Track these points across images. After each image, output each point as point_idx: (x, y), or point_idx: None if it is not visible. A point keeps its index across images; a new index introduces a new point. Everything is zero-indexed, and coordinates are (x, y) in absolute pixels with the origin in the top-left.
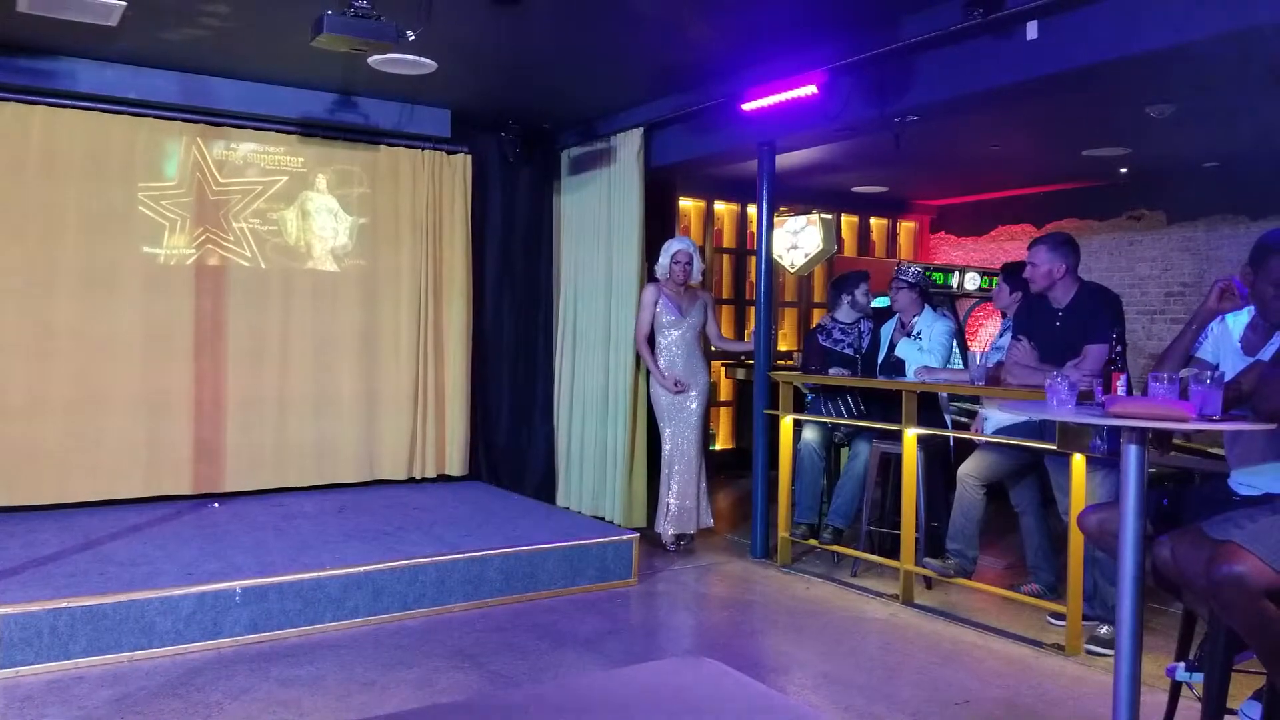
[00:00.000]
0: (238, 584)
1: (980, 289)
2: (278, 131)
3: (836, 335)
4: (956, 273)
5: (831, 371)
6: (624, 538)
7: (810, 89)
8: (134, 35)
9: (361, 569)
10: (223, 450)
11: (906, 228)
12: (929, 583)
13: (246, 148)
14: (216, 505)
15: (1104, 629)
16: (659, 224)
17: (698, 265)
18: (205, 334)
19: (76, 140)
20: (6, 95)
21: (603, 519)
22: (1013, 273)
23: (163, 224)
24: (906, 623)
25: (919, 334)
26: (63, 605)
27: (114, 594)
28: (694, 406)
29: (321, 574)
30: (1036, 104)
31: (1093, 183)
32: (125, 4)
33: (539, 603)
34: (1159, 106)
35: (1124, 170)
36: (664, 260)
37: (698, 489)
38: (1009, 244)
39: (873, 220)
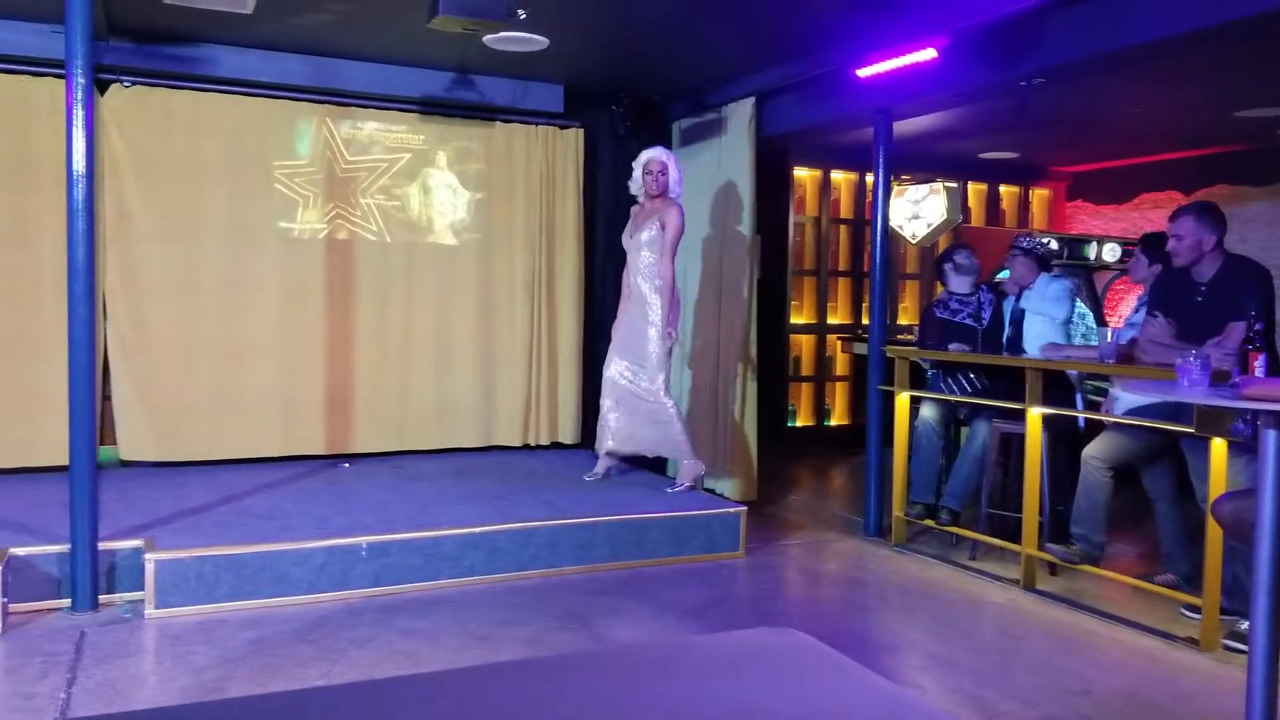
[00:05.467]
0: (364, 539)
1: (1120, 261)
2: (400, 110)
3: (954, 306)
4: (1095, 243)
5: (951, 347)
6: (731, 510)
7: (930, 53)
8: (267, 22)
9: (477, 529)
10: (352, 414)
11: (1039, 196)
12: (1053, 569)
13: (371, 126)
14: (346, 465)
15: (1244, 624)
16: (772, 194)
17: (674, 176)
18: (336, 303)
19: (218, 122)
20: (156, 81)
21: (712, 491)
22: (1152, 244)
23: (296, 200)
24: (1026, 608)
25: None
26: (209, 553)
27: (254, 544)
28: (648, 346)
29: (440, 533)
30: (1182, 62)
31: (1247, 146)
32: None
33: (646, 570)
34: None
35: None
36: (636, 172)
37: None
38: (1153, 212)
39: (1002, 188)
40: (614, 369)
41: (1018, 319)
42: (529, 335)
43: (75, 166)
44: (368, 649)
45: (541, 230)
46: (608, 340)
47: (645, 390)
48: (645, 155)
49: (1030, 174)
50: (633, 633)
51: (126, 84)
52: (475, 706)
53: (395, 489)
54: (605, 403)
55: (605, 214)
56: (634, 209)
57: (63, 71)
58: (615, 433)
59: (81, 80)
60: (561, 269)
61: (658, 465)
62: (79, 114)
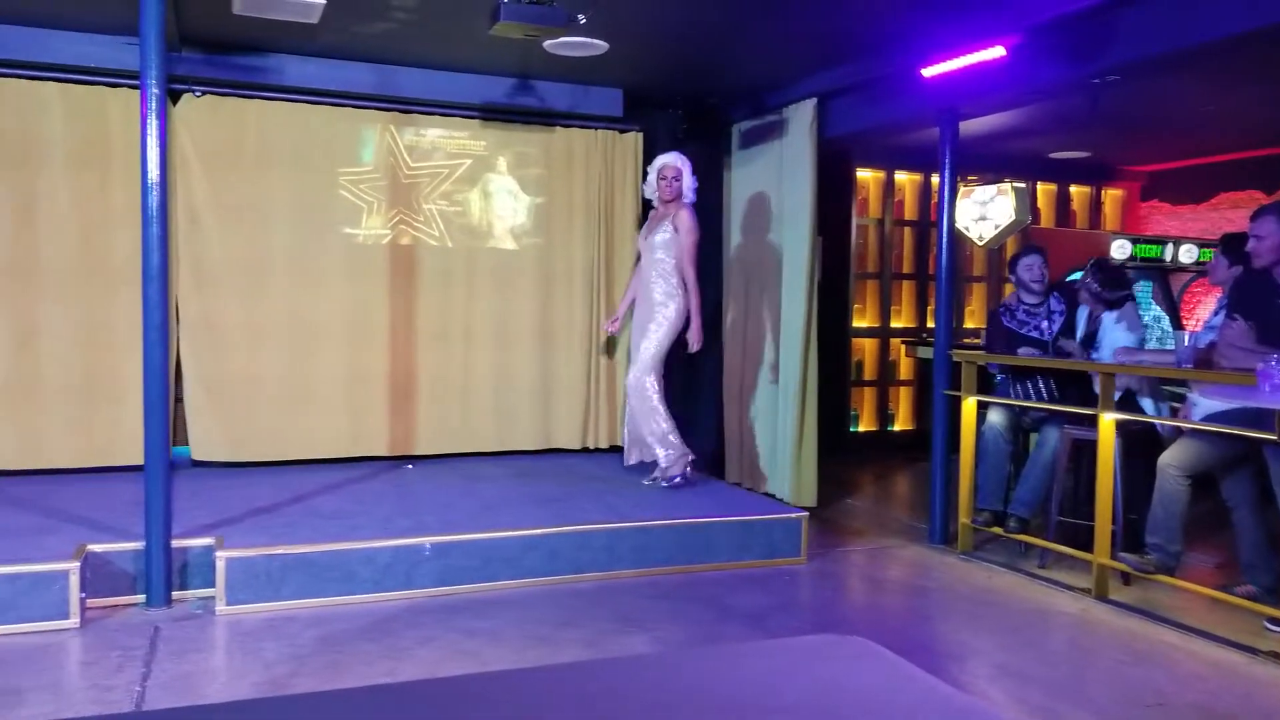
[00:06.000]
0: (428, 540)
1: (1197, 263)
2: (461, 117)
3: (1021, 316)
4: (1170, 245)
5: (1020, 351)
6: (792, 516)
7: (998, 51)
8: (333, 31)
9: (537, 532)
10: (415, 416)
11: (1112, 196)
12: (1126, 578)
13: (433, 133)
14: (410, 467)
15: None
16: (834, 195)
17: (688, 182)
18: (399, 308)
19: (285, 130)
20: (226, 91)
21: (772, 497)
22: (1232, 245)
23: (361, 206)
24: (1097, 618)
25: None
26: (277, 552)
27: (321, 543)
28: (647, 340)
29: (501, 534)
30: (1263, 55)
31: None
32: (325, 2)
33: (705, 574)
34: None
35: None
36: (650, 177)
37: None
38: (1232, 212)
39: (1073, 188)
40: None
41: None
42: (588, 339)
43: (150, 175)
44: (431, 648)
45: (600, 234)
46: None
47: (633, 384)
48: (660, 160)
49: (1102, 173)
50: (692, 637)
51: (198, 94)
52: (536, 707)
53: (457, 490)
54: (640, 412)
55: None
56: (651, 214)
57: (137, 82)
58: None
59: (155, 91)
60: (620, 272)
61: (716, 468)
62: (153, 124)
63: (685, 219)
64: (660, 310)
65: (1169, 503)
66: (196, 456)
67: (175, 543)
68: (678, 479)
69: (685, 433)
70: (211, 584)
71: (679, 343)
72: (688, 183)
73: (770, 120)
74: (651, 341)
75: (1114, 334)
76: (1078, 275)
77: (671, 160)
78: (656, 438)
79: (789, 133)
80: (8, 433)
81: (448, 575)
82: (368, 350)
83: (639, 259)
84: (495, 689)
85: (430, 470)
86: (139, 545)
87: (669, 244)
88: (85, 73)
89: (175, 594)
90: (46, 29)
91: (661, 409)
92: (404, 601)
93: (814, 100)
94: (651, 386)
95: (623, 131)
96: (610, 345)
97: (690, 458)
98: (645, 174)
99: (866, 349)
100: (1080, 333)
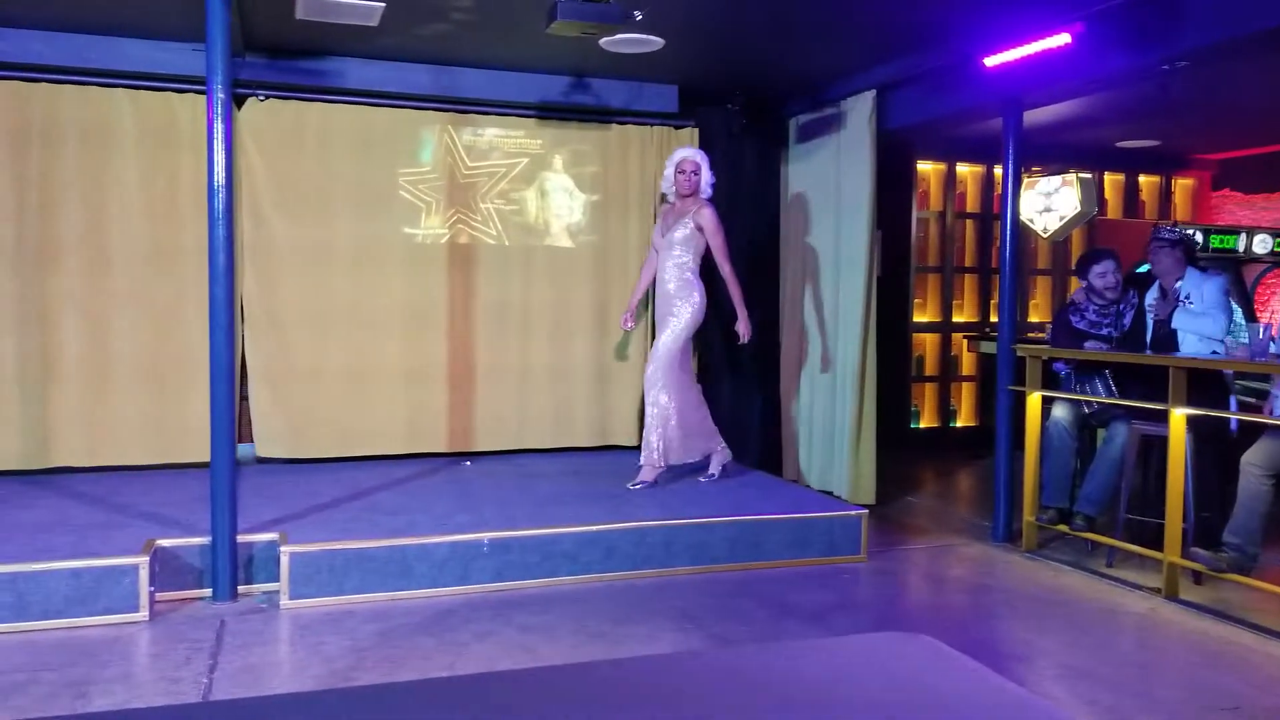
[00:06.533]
0: (485, 535)
1: (1272, 253)
2: (518, 116)
3: (1091, 316)
4: (1243, 235)
5: (1087, 345)
6: (852, 513)
7: (1063, 38)
8: (392, 33)
9: (594, 528)
10: (473, 413)
11: (1183, 185)
12: (1198, 578)
13: (491, 133)
14: (468, 464)
15: None
16: (894, 188)
17: (706, 177)
18: (457, 307)
19: (346, 132)
20: (289, 94)
21: (830, 494)
22: None
23: (420, 206)
24: (1168, 618)
25: (1188, 298)
26: (339, 547)
27: (380, 539)
28: (663, 337)
29: (558, 530)
30: None
31: None
32: (384, 4)
33: (762, 573)
34: None
35: None
36: (668, 171)
37: (666, 423)
38: None
39: (1141, 178)
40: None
41: (1166, 319)
42: (644, 336)
43: (215, 177)
44: (488, 642)
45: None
46: (723, 341)
47: (656, 379)
48: (679, 154)
49: (1172, 162)
50: (751, 634)
51: (261, 98)
52: (595, 702)
53: (514, 487)
54: (649, 411)
55: (720, 212)
56: (663, 208)
57: (203, 88)
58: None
59: (221, 96)
60: None
61: (773, 465)
62: (219, 128)
63: (709, 219)
64: (679, 306)
65: (1251, 503)
66: (260, 453)
67: (240, 538)
68: (715, 475)
69: (743, 429)
70: (275, 578)
71: (727, 335)
72: (705, 177)
73: (828, 113)
74: (672, 339)
75: (1189, 321)
76: (1146, 267)
77: (690, 154)
78: (697, 434)
79: (847, 125)
80: (80, 431)
81: (505, 571)
82: (427, 349)
83: (652, 253)
84: (552, 683)
85: (487, 467)
86: (205, 540)
87: (688, 240)
88: (154, 79)
89: (240, 588)
90: (119, 37)
91: (675, 414)
92: (461, 597)
93: (873, 92)
94: (663, 387)
95: (678, 127)
96: (625, 342)
97: (724, 448)
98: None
99: (927, 344)
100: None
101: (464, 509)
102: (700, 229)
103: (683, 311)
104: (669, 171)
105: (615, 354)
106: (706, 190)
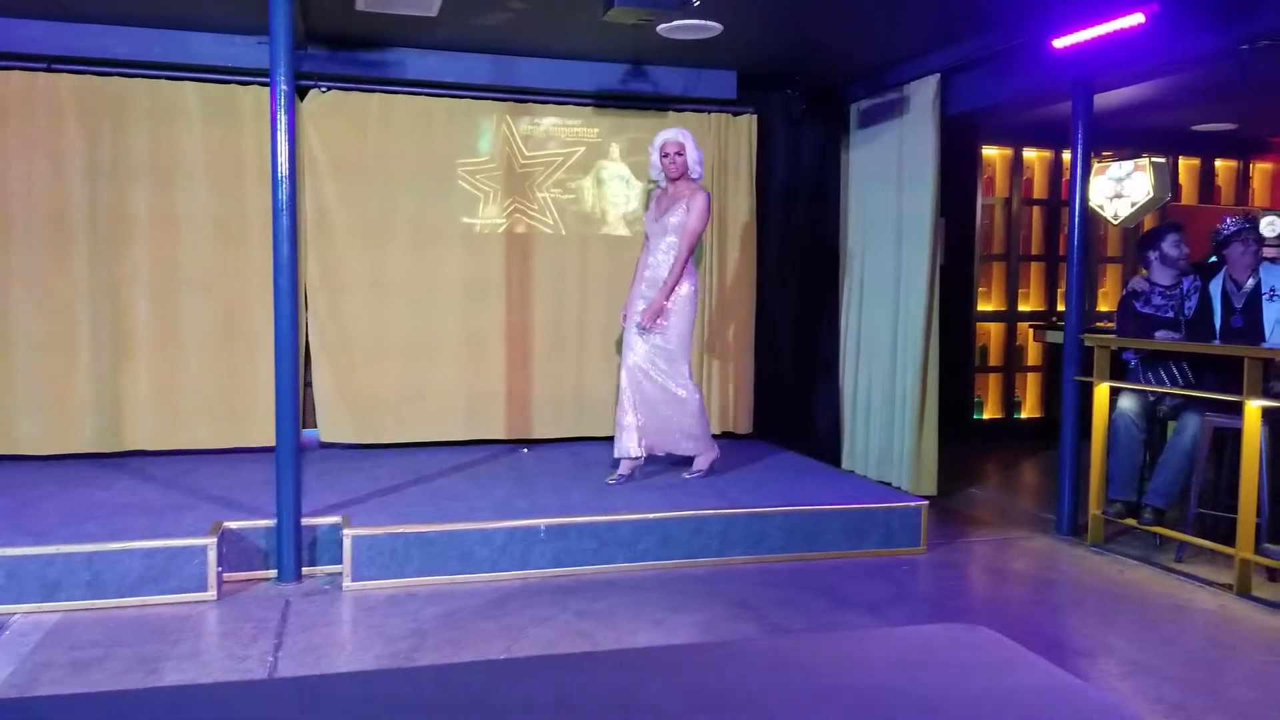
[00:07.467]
0: (543, 522)
1: None
2: (575, 105)
3: (1156, 301)
4: None
5: (1158, 335)
6: (911, 504)
7: (1137, 18)
8: (450, 24)
9: (651, 516)
10: (531, 401)
11: (1262, 170)
12: (1272, 574)
13: (548, 122)
14: (526, 450)
15: None
16: (958, 174)
17: (693, 156)
18: (515, 297)
19: (406, 123)
20: (349, 85)
21: (889, 484)
22: None
23: (478, 196)
24: (1239, 615)
25: (1273, 290)
26: (401, 530)
27: (441, 523)
28: (667, 335)
29: (615, 518)
30: None
31: None
32: None
33: (819, 563)
34: None
35: None
36: (653, 156)
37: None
38: None
39: (1218, 163)
40: (634, 357)
41: (1242, 309)
42: (701, 324)
43: (279, 168)
44: (546, 627)
45: (713, 218)
46: (780, 330)
47: (667, 375)
48: (660, 137)
49: (1251, 146)
50: (808, 624)
51: (323, 89)
52: (651, 688)
53: (572, 474)
54: (626, 398)
55: (779, 200)
56: (655, 192)
57: (267, 80)
58: (643, 431)
59: (284, 87)
60: (732, 257)
61: (833, 456)
62: (282, 119)
63: (700, 203)
64: (673, 296)
65: None
66: (324, 439)
67: (305, 521)
68: (702, 473)
69: (804, 417)
70: (339, 560)
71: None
72: (692, 156)
73: (890, 98)
74: (674, 328)
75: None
76: (1213, 259)
77: (671, 135)
78: (692, 438)
79: (910, 110)
80: (152, 416)
81: (563, 557)
82: (485, 339)
83: (646, 241)
84: (608, 667)
85: (546, 454)
86: (271, 523)
87: (681, 226)
88: (219, 72)
89: (305, 570)
90: (185, 31)
91: (701, 405)
92: (519, 582)
93: (937, 76)
94: (689, 377)
95: (736, 114)
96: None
97: (717, 455)
98: (758, 158)
99: (991, 333)
100: (1218, 317)
101: (522, 495)
102: (690, 212)
103: (680, 301)
104: (653, 157)
105: None
106: (696, 170)
